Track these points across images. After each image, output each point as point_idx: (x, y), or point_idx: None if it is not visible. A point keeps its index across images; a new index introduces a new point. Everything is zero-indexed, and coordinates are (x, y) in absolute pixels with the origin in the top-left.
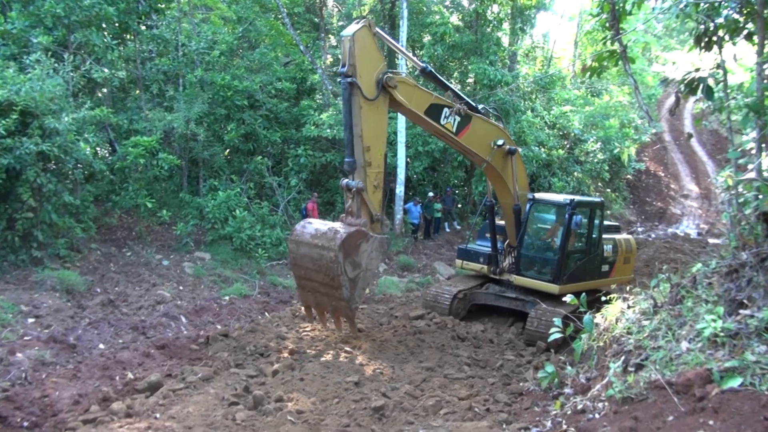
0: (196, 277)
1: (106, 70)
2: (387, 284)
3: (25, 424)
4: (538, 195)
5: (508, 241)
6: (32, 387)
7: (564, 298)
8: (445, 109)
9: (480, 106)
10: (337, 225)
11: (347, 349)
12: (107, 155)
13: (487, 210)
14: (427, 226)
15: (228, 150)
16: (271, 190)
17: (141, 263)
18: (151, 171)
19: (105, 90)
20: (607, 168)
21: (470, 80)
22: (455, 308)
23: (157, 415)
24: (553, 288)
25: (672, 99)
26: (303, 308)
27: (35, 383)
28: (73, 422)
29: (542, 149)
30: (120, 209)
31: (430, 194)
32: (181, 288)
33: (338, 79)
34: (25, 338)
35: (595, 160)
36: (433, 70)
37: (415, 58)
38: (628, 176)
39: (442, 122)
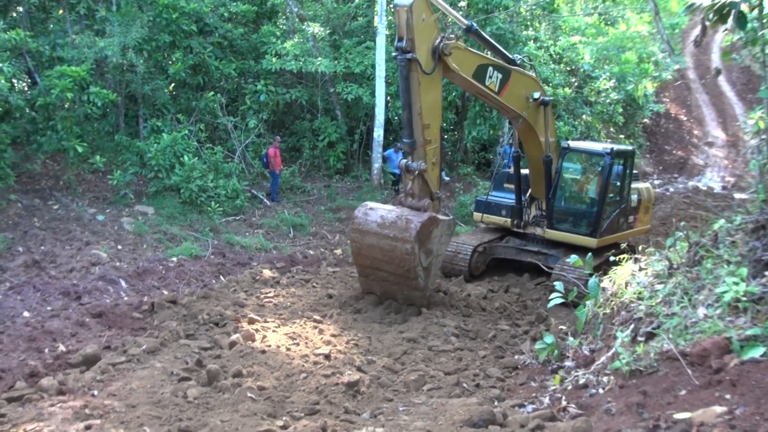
0: (138, 234)
1: None
2: None
3: None
4: (572, 143)
5: (530, 192)
6: None
7: (571, 258)
8: (489, 68)
9: (516, 57)
10: (406, 212)
11: (316, 317)
12: (26, 89)
13: (514, 161)
14: None
15: (173, 84)
16: (225, 133)
17: (71, 218)
18: (81, 108)
19: (20, 9)
20: (620, 110)
21: (462, 3)
22: (474, 263)
23: (95, 392)
24: (591, 242)
25: (698, 29)
26: (363, 293)
27: None
28: None
29: (546, 87)
30: (44, 154)
31: None
32: (119, 247)
33: (394, 54)
34: None
35: (608, 101)
36: (477, 28)
37: (461, 17)
38: (645, 120)
39: (486, 83)
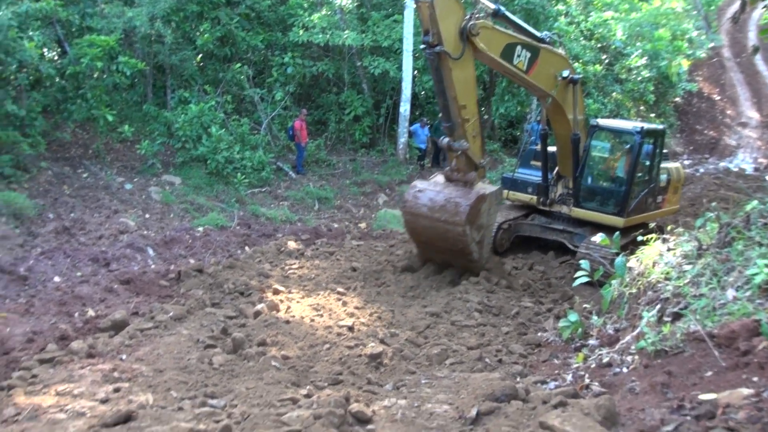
0: (165, 204)
1: None
2: (387, 218)
3: None
4: (601, 121)
5: (557, 170)
6: None
7: (595, 237)
8: (517, 47)
9: (545, 35)
10: (453, 193)
11: (340, 290)
12: (56, 57)
13: (541, 138)
14: (435, 152)
15: (200, 55)
16: (252, 105)
17: (100, 186)
18: (110, 78)
19: None
20: (652, 88)
21: None
22: (499, 240)
23: (123, 357)
24: (618, 221)
25: (736, 5)
26: (421, 260)
27: None
28: (27, 361)
29: (576, 64)
30: (74, 122)
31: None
32: (147, 216)
33: (422, 47)
34: None
35: (639, 79)
36: (505, 11)
37: (488, 1)
38: (677, 99)
39: (514, 62)
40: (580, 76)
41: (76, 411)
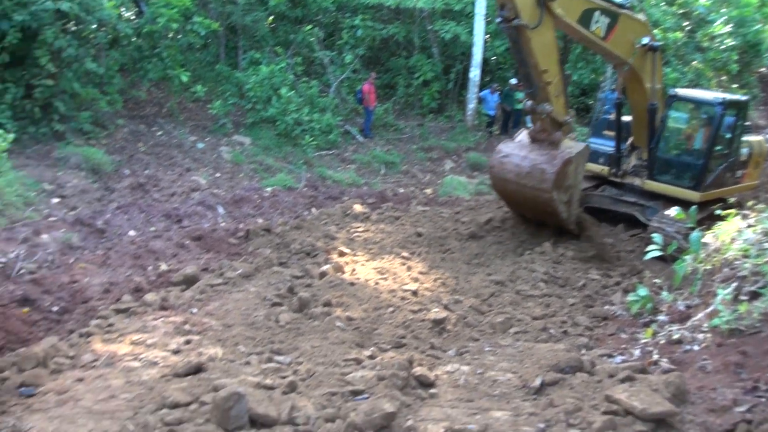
0: (235, 163)
1: None
2: (453, 185)
3: (55, 308)
4: (680, 91)
5: (631, 140)
6: (60, 271)
7: (669, 211)
8: (595, 13)
9: (625, 0)
10: (539, 158)
11: (404, 254)
12: (132, 17)
13: (616, 108)
14: (505, 119)
15: (272, 17)
16: (321, 67)
17: (173, 144)
18: (184, 38)
19: None
20: (735, 57)
21: None
22: None
23: (194, 310)
24: (694, 195)
25: None
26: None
27: (63, 267)
28: (104, 311)
29: (656, 31)
30: (149, 81)
31: (513, 81)
32: (217, 175)
33: (498, 21)
34: (50, 219)
35: (722, 47)
36: None
37: None
38: (762, 69)
39: (591, 29)
40: (660, 43)
41: (150, 360)
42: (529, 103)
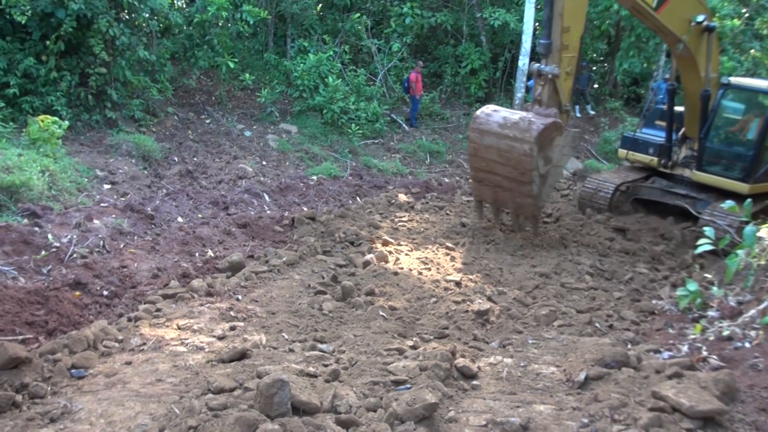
0: (281, 152)
1: None
2: None
3: (105, 293)
4: (734, 79)
5: (683, 130)
6: (110, 256)
7: (725, 203)
8: None
9: None
10: (530, 115)
11: (448, 245)
12: (184, 6)
13: (668, 95)
14: None
15: (321, 5)
16: (369, 56)
17: (221, 132)
18: (234, 26)
19: None
20: None
21: None
22: (615, 202)
23: (239, 297)
24: (742, 187)
25: None
26: (474, 203)
27: (113, 252)
28: (152, 296)
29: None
30: (199, 70)
31: None
32: (264, 163)
33: None
34: (102, 204)
35: None
36: None
37: None
38: None
39: None
40: (716, 23)
41: (196, 345)
42: (536, 65)
